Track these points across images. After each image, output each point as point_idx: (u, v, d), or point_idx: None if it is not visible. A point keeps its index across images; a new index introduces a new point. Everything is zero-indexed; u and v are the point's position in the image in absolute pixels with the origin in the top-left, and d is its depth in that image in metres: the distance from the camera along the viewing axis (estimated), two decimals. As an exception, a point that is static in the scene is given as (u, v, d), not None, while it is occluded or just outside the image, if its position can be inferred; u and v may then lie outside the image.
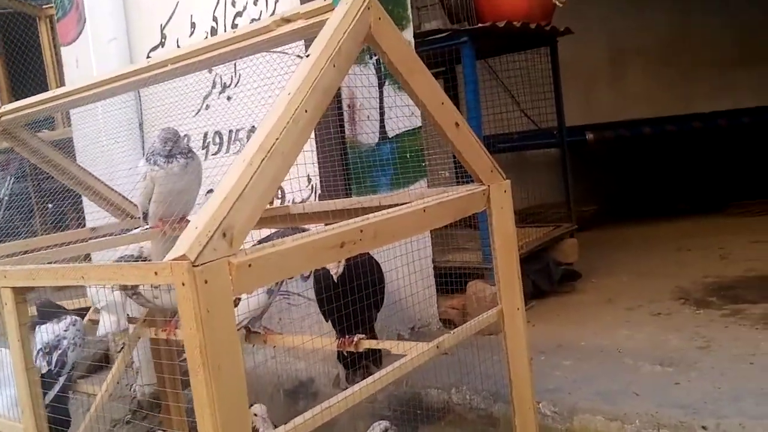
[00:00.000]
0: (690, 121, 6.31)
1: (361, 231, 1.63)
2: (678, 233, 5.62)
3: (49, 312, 2.62)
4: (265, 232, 2.54)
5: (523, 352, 2.26)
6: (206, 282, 1.26)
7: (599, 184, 6.62)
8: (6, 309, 1.67)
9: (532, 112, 4.86)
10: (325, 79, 1.56)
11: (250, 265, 1.34)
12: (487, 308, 2.50)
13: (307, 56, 1.61)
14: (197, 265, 1.24)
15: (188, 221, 2.47)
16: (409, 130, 3.37)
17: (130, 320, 2.75)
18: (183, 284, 1.24)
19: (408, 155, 3.35)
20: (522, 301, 2.27)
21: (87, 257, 3.04)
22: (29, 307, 1.83)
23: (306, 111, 1.50)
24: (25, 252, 2.76)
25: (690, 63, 6.65)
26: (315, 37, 1.70)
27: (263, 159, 1.39)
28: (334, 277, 2.23)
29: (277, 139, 1.43)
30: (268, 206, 3.30)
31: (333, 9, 1.75)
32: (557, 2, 4.20)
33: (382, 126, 3.30)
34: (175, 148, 2.20)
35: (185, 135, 3.64)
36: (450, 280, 3.55)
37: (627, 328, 3.43)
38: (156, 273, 1.30)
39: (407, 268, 2.65)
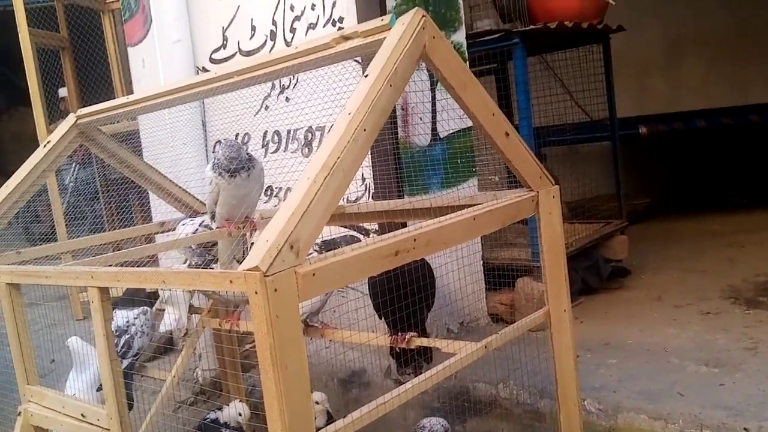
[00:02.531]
0: (746, 113, 6.20)
1: (415, 240, 1.74)
2: (731, 228, 5.56)
3: (130, 299, 2.82)
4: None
5: (569, 352, 2.35)
6: (276, 290, 1.39)
7: (653, 177, 6.56)
8: (92, 306, 1.85)
9: (585, 105, 4.88)
10: (382, 100, 1.68)
11: (314, 274, 1.48)
12: (535, 306, 2.59)
13: (366, 77, 1.73)
14: (268, 275, 1.38)
15: (251, 221, 2.65)
16: (459, 131, 3.46)
17: (195, 311, 2.94)
18: (256, 293, 1.38)
19: (459, 156, 3.44)
20: (569, 303, 2.36)
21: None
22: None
23: (365, 130, 1.62)
24: (100, 246, 2.98)
25: (747, 54, 6.50)
26: (372, 54, 1.82)
27: (326, 177, 1.52)
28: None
29: (338, 157, 1.55)
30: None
31: (389, 29, 1.86)
32: (610, 1, 4.20)
33: (434, 127, 3.41)
34: (237, 164, 2.36)
35: (246, 134, 3.82)
36: (499, 277, 3.63)
37: (674, 327, 3.46)
38: (231, 281, 1.45)
39: (457, 264, 2.76)
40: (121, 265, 2.16)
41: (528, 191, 2.24)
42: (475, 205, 2.09)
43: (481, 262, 3.69)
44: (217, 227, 2.55)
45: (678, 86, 6.97)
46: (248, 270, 1.39)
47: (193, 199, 3.18)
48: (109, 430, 1.94)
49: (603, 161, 5.46)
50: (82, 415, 2.04)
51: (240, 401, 2.95)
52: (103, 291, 1.84)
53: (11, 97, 10.34)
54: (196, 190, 3.10)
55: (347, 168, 1.58)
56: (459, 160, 3.39)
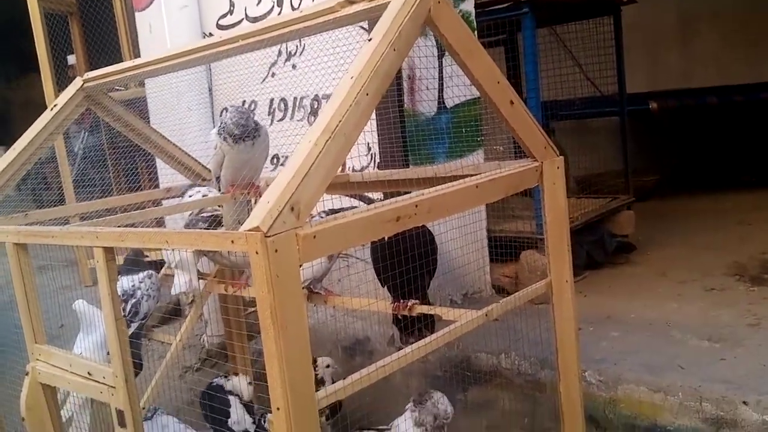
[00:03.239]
0: (758, 90, 6.14)
1: (416, 206, 1.75)
2: (741, 206, 5.54)
3: (136, 262, 2.85)
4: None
5: (570, 322, 2.36)
6: (276, 251, 1.40)
7: (662, 154, 6.53)
8: (98, 266, 1.88)
9: (595, 78, 4.85)
10: (385, 63, 1.67)
11: (314, 237, 1.49)
12: (539, 278, 2.61)
13: (369, 41, 1.72)
14: (269, 236, 1.39)
15: (256, 186, 2.66)
16: (467, 101, 3.45)
17: (201, 276, 2.97)
18: (257, 252, 1.39)
19: (465, 126, 3.43)
20: (570, 274, 2.36)
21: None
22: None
23: (367, 94, 1.62)
24: (107, 210, 3.01)
25: (761, 31, 6.41)
26: (377, 17, 1.82)
27: (327, 140, 1.52)
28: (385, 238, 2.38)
29: (340, 121, 1.55)
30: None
31: (395, -7, 1.85)
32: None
33: (441, 96, 3.39)
34: (243, 130, 2.37)
35: (252, 102, 3.82)
36: (504, 249, 3.63)
37: (678, 302, 3.48)
38: (233, 242, 1.46)
39: (461, 236, 2.77)
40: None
41: (532, 161, 2.24)
42: (479, 174, 2.10)
43: (486, 234, 3.69)
44: (222, 192, 2.57)
45: (690, 62, 6.89)
46: (249, 230, 1.40)
47: (197, 164, 3.19)
48: (114, 387, 1.98)
49: (613, 136, 5.43)
50: (88, 373, 2.08)
51: (246, 379, 2.99)
52: (108, 251, 1.86)
53: (21, 64, 10.34)
54: (200, 153, 3.11)
55: (349, 132, 1.58)
56: (464, 130, 3.38)
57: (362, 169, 3.32)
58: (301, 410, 1.47)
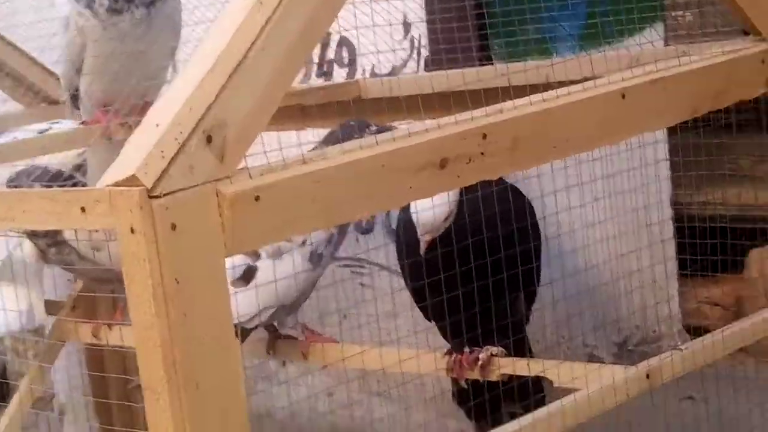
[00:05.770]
0: None
1: (484, 136, 1.80)
2: None
3: None
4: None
5: None
6: (174, 228, 1.45)
7: None
8: None
9: None
10: None
11: (257, 198, 1.52)
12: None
13: None
14: (158, 196, 1.43)
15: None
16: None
17: (51, 307, 3.09)
18: (132, 230, 1.44)
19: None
20: None
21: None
22: None
23: None
24: None
25: None
26: None
27: (284, -7, 1.59)
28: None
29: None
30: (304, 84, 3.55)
31: None
32: None
33: None
34: None
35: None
36: (712, 248, 3.61)
37: None
38: (83, 209, 1.52)
39: (610, 219, 2.81)
40: None
41: (755, 41, 2.29)
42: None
43: (672, 214, 3.70)
44: (82, 122, 2.67)
45: None
46: (116, 185, 1.44)
47: (44, 70, 3.32)
48: None
49: None
50: None
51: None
52: None
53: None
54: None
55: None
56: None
57: (392, 72, 3.39)
58: None
